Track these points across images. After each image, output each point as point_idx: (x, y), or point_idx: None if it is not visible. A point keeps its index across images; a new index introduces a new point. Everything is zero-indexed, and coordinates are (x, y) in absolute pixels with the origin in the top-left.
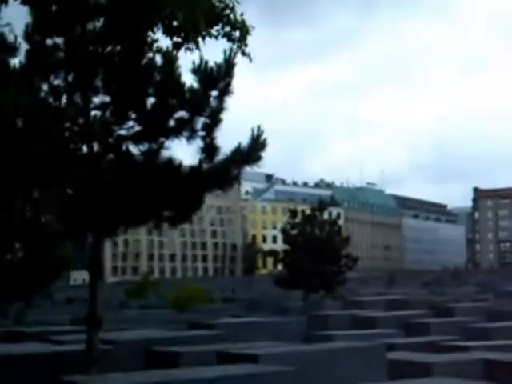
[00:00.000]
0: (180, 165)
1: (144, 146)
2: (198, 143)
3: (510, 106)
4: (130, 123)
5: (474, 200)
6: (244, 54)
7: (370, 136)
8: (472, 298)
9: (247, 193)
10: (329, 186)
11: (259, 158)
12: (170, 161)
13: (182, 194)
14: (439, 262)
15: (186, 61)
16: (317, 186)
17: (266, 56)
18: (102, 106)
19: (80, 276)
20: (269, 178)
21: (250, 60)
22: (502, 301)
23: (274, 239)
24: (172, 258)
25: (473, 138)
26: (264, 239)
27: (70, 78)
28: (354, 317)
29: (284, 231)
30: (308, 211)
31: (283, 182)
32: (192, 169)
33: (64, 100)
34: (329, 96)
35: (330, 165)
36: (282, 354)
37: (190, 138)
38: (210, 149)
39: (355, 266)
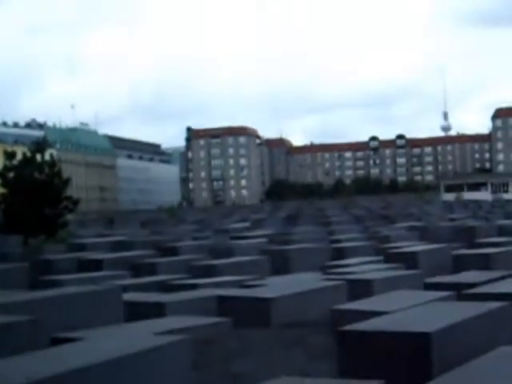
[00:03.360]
0: None
1: None
2: None
3: (227, 48)
4: None
5: (188, 139)
6: None
7: (86, 76)
8: (191, 236)
9: None
10: (41, 126)
11: None
12: None
13: None
14: (154, 202)
15: None
16: (28, 126)
17: None
18: None
19: None
20: None
21: None
22: (220, 238)
23: None
24: None
25: (188, 79)
26: None
27: None
28: (79, 260)
29: (1, 175)
30: (20, 153)
31: None
32: None
33: None
34: (44, 33)
35: (42, 104)
36: (16, 302)
37: None
38: None
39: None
